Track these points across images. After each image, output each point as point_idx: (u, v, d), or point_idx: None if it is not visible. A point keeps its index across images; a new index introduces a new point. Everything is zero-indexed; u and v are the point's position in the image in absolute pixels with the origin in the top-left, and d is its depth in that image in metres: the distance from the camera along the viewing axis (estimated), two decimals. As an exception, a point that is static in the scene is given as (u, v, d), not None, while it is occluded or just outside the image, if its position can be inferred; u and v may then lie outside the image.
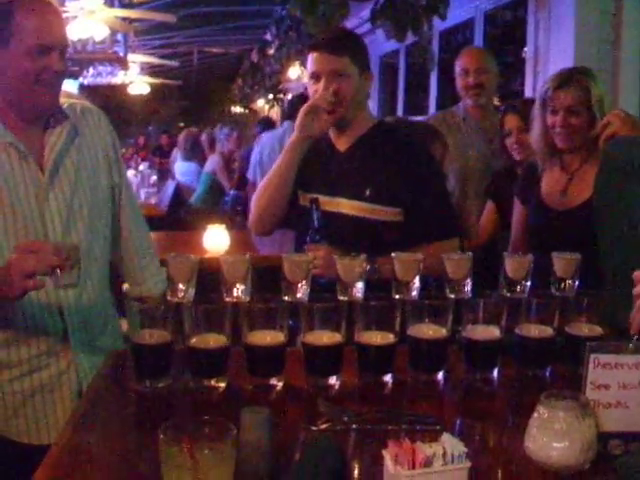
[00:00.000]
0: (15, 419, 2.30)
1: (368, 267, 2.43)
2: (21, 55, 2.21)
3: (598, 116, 2.95)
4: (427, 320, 2.06)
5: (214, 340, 1.98)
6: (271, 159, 6.86)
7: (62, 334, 2.32)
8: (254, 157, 7.13)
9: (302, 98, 7.69)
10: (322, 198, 2.83)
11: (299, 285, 2.19)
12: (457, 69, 4.50)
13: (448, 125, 4.44)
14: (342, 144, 2.97)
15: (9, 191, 2.25)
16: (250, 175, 7.29)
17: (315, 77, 2.87)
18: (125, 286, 2.60)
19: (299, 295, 2.18)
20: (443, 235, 2.85)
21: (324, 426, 1.73)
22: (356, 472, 1.55)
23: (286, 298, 2.18)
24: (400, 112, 9.43)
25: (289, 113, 7.14)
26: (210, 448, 1.26)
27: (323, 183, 2.91)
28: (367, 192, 2.82)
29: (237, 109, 21.89)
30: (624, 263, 2.26)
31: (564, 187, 3.11)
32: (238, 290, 2.16)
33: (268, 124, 9.07)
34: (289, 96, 15.45)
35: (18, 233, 2.25)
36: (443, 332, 2.04)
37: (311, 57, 2.88)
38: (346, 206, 2.86)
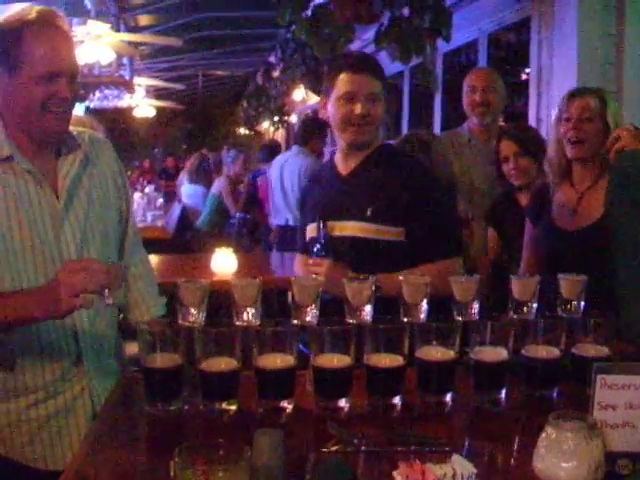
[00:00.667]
0: (31, 445, 2.31)
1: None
2: (30, 82, 2.22)
3: (612, 127, 2.97)
4: (435, 342, 2.07)
5: (225, 363, 2.00)
6: (282, 184, 6.93)
7: (76, 358, 2.34)
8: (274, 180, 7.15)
9: (315, 121, 7.74)
10: (337, 224, 2.90)
11: (308, 309, 2.21)
12: (465, 87, 4.52)
13: (453, 145, 4.47)
14: (346, 167, 3.01)
15: (27, 217, 2.27)
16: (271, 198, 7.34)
17: (349, 97, 2.85)
18: (120, 316, 2.60)
19: (308, 318, 2.20)
20: (444, 255, 2.85)
21: (334, 448, 1.75)
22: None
23: (295, 321, 2.20)
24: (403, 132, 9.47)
25: (302, 136, 7.15)
26: (224, 471, 1.28)
27: (326, 208, 2.95)
28: (368, 212, 2.85)
29: (242, 131, 21.94)
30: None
31: (575, 206, 3.11)
32: (249, 314, 2.18)
33: (273, 149, 9.10)
34: (293, 118, 15.53)
35: (36, 259, 2.27)
36: (451, 354, 2.06)
37: (345, 77, 2.86)
38: (348, 228, 2.89)
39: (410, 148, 4.14)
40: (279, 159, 7.35)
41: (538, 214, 3.28)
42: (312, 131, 7.16)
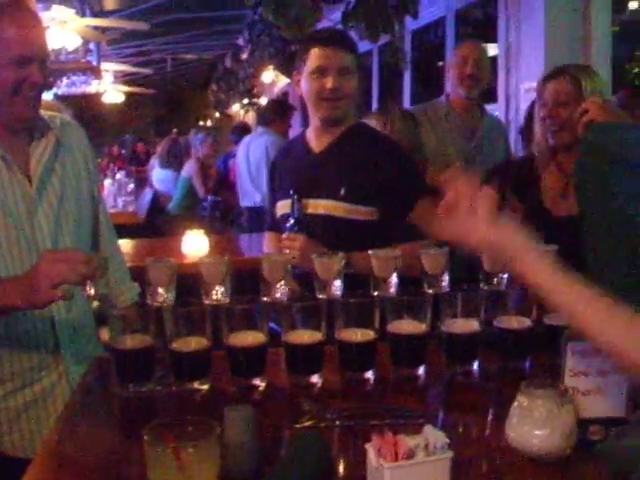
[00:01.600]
0: (10, 434, 2.29)
1: (343, 262, 2.42)
2: (1, 66, 2.19)
3: None
4: (406, 316, 2.07)
5: (196, 343, 1.99)
6: (247, 164, 6.91)
7: (53, 346, 2.32)
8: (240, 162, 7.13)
9: (278, 103, 7.69)
10: (310, 202, 2.88)
11: (277, 285, 2.20)
12: (455, 59, 4.46)
13: (429, 119, 4.44)
14: (319, 144, 2.98)
15: (0, 203, 2.24)
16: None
17: (321, 72, 2.83)
18: (95, 303, 2.58)
19: (278, 295, 2.19)
20: (417, 235, 2.70)
21: (308, 424, 1.74)
22: (341, 466, 1.56)
23: (265, 298, 2.19)
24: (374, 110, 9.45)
25: (265, 117, 7.14)
26: (194, 447, 1.27)
27: (299, 185, 2.92)
28: (342, 191, 2.83)
29: (214, 115, 21.86)
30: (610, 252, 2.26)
31: (563, 190, 3.01)
32: (217, 292, 2.16)
33: (243, 130, 9.07)
34: (263, 100, 15.49)
35: (10, 245, 2.24)
36: (422, 327, 2.06)
37: (315, 52, 2.84)
38: (321, 206, 2.87)
39: (391, 119, 4.11)
40: (245, 141, 7.33)
41: (525, 190, 3.09)
42: (275, 111, 7.15)
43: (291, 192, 2.87)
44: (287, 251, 2.73)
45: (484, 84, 4.55)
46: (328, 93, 2.84)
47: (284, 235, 2.82)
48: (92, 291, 2.04)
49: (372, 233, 2.81)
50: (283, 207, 2.99)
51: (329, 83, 2.82)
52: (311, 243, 2.73)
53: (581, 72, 2.97)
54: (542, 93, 3.01)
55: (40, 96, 2.32)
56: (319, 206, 2.88)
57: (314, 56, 2.85)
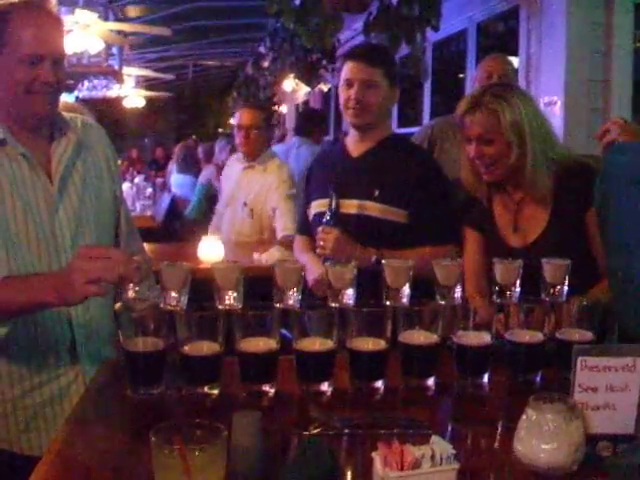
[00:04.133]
0: (26, 433, 2.30)
1: (374, 257, 2.90)
2: (13, 64, 2.21)
3: (514, 141, 2.68)
4: (418, 327, 2.07)
5: (207, 347, 1.99)
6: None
7: (70, 345, 2.33)
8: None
9: (314, 113, 7.67)
10: (346, 202, 3.12)
11: (290, 292, 2.20)
12: (480, 73, 4.47)
13: (453, 130, 4.43)
14: (356, 150, 3.27)
15: (22, 201, 2.25)
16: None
17: (348, 84, 3.13)
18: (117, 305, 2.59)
19: (290, 302, 2.20)
20: (441, 241, 3.04)
21: (316, 431, 1.74)
22: (347, 475, 1.56)
23: (278, 305, 2.19)
24: (394, 123, 9.46)
25: (303, 128, 7.08)
26: (201, 450, 1.27)
27: (336, 185, 3.13)
28: (376, 193, 3.09)
29: (231, 121, 21.89)
30: (628, 267, 2.26)
31: (514, 221, 2.85)
32: (230, 298, 2.16)
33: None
34: (284, 108, 15.51)
35: (30, 244, 2.25)
36: (434, 338, 2.06)
37: (347, 65, 3.14)
38: (356, 206, 3.12)
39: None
40: (279, 150, 7.30)
41: (481, 221, 2.94)
42: (313, 122, 7.14)
43: (330, 190, 3.08)
44: (321, 243, 2.98)
45: None
46: (352, 103, 3.12)
47: (319, 229, 3.03)
48: (130, 293, 2.01)
49: (402, 235, 3.07)
50: (318, 206, 3.24)
51: (352, 94, 3.10)
52: (345, 237, 2.97)
53: (498, 102, 2.70)
54: (462, 127, 2.81)
55: (56, 96, 2.33)
56: (354, 206, 3.13)
57: (345, 69, 3.16)
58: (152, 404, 1.97)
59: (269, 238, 4.88)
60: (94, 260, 1.92)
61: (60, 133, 2.41)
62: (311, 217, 3.29)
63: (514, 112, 2.70)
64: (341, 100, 3.19)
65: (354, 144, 3.28)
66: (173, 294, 2.13)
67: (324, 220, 3.05)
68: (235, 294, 2.17)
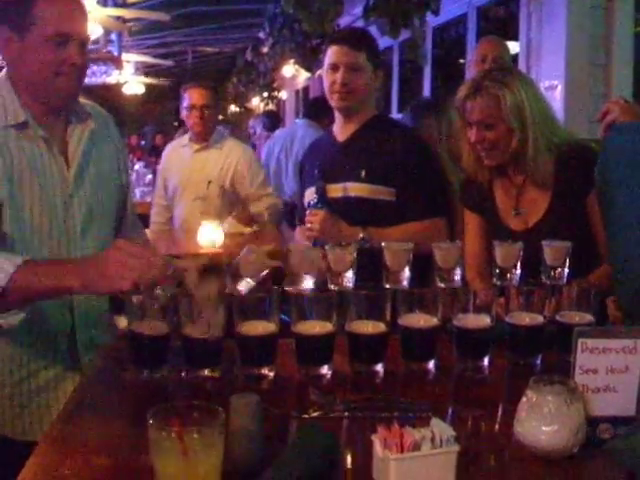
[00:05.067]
0: (20, 418, 2.30)
1: (361, 235, 2.95)
2: (40, 44, 2.21)
3: (515, 125, 2.67)
4: (418, 310, 2.07)
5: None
6: (286, 156, 6.81)
7: (70, 331, 2.33)
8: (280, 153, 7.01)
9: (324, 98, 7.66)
10: (334, 186, 3.16)
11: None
12: (475, 56, 4.47)
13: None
14: (342, 134, 3.29)
15: (38, 183, 2.25)
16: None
17: (333, 68, 3.14)
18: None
19: (303, 285, 2.21)
20: (430, 214, 3.09)
21: (316, 414, 1.74)
22: (347, 457, 1.55)
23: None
24: (394, 108, 9.44)
25: (314, 112, 7.01)
26: (199, 432, 1.26)
27: (324, 171, 3.18)
28: (362, 174, 3.12)
29: (232, 108, 21.87)
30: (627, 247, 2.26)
31: (515, 204, 2.84)
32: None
33: (276, 120, 9.18)
34: (283, 94, 15.49)
35: (43, 230, 2.25)
36: (434, 321, 2.05)
37: (331, 50, 3.16)
38: (344, 189, 3.16)
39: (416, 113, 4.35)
40: (283, 133, 7.25)
41: (482, 204, 2.94)
42: (325, 108, 7.11)
43: (316, 174, 3.15)
44: (309, 225, 3.02)
45: None
46: (338, 87, 3.14)
47: (307, 211, 3.07)
48: (158, 302, 1.98)
49: (390, 213, 3.10)
50: (310, 194, 3.22)
51: (338, 78, 3.12)
52: (331, 217, 3.01)
53: (499, 86, 2.68)
54: (463, 112, 2.79)
55: (81, 77, 2.33)
56: (340, 189, 3.16)
57: (330, 53, 3.17)
58: (151, 387, 1.97)
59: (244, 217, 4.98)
60: (133, 257, 1.84)
61: (77, 119, 2.40)
62: (305, 205, 3.29)
63: (515, 96, 2.67)
64: (326, 84, 3.20)
65: (339, 129, 3.31)
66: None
67: (311, 204, 3.10)
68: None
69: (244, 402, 1.47)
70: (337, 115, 3.30)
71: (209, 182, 4.98)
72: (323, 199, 3.07)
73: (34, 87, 2.29)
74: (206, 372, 2.00)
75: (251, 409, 1.47)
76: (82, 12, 2.31)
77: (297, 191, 3.69)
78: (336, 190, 3.15)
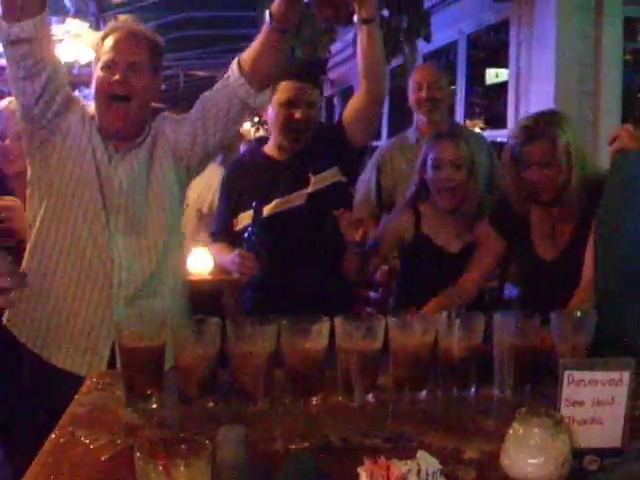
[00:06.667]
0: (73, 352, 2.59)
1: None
2: (97, 72, 2.62)
3: (565, 163, 2.88)
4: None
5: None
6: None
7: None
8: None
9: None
10: (274, 203, 3.28)
11: None
12: (410, 84, 4.52)
13: (403, 151, 4.51)
14: (282, 155, 3.44)
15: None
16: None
17: (290, 104, 3.29)
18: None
19: None
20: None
21: (302, 445, 1.74)
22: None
23: None
24: (385, 134, 9.47)
25: None
26: (186, 465, 1.26)
27: (268, 192, 3.31)
28: (311, 175, 3.31)
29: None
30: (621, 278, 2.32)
31: (551, 233, 3.05)
32: None
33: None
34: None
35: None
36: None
37: (287, 85, 3.28)
38: (295, 198, 3.30)
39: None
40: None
41: (512, 232, 3.14)
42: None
43: (251, 203, 3.17)
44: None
45: (445, 105, 4.60)
46: (295, 124, 3.32)
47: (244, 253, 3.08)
48: None
49: (342, 197, 3.39)
50: (246, 217, 3.27)
51: (298, 114, 3.30)
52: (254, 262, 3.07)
53: (552, 128, 2.91)
54: (520, 155, 2.96)
55: (130, 108, 2.63)
56: (302, 195, 3.31)
57: (286, 88, 3.30)
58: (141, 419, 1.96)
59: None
60: None
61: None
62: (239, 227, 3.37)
63: (565, 137, 2.91)
64: (279, 119, 3.32)
65: (277, 150, 3.46)
66: None
67: (246, 234, 3.12)
68: None
69: (231, 434, 1.47)
70: (280, 139, 3.40)
71: (186, 205, 4.98)
72: (261, 229, 3.08)
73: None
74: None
75: (238, 441, 1.47)
76: (133, 44, 2.65)
77: (221, 209, 3.66)
78: (286, 202, 3.28)
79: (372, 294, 4.55)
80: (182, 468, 1.26)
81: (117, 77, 2.56)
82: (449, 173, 3.33)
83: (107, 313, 2.57)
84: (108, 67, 2.59)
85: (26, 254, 2.64)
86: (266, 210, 3.22)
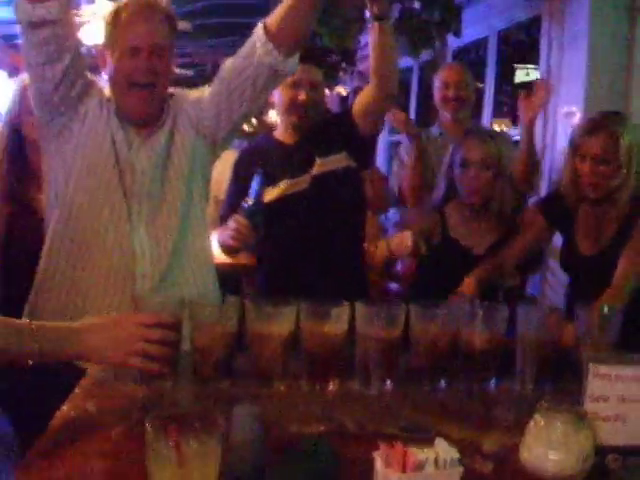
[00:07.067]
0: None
1: None
2: (118, 58, 2.46)
3: (624, 166, 2.89)
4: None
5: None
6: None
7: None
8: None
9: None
10: (280, 185, 3.27)
11: None
12: (436, 82, 4.62)
13: (430, 142, 4.52)
14: (290, 138, 3.44)
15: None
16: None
17: (294, 86, 3.27)
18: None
19: None
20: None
21: (318, 429, 1.70)
22: (348, 473, 1.51)
23: None
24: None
25: None
26: (196, 441, 1.23)
27: (276, 175, 3.27)
28: (317, 158, 3.29)
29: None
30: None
31: (595, 228, 3.05)
32: None
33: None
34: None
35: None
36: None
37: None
38: (303, 181, 3.28)
39: None
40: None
41: (559, 221, 3.18)
42: None
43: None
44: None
45: (470, 105, 4.69)
46: (300, 107, 3.32)
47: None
48: None
49: (351, 182, 3.37)
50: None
51: (303, 96, 3.29)
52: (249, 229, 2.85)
53: (618, 126, 2.93)
54: (580, 146, 2.97)
55: (153, 92, 2.50)
56: (302, 181, 3.28)
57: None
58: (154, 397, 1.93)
59: None
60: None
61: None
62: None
63: (629, 139, 2.90)
64: (284, 101, 3.34)
65: (286, 134, 3.45)
66: None
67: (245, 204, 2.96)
68: None
69: (245, 413, 1.44)
70: (285, 121, 3.42)
71: None
72: (259, 198, 2.93)
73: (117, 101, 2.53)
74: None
75: (251, 421, 1.44)
76: (153, 22, 2.49)
77: (233, 191, 3.54)
78: (296, 184, 3.27)
79: (392, 285, 4.51)
80: (193, 444, 1.23)
81: (143, 66, 2.44)
82: (477, 172, 3.33)
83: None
84: (131, 54, 2.44)
85: (44, 249, 2.55)
86: (271, 193, 3.21)
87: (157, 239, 2.51)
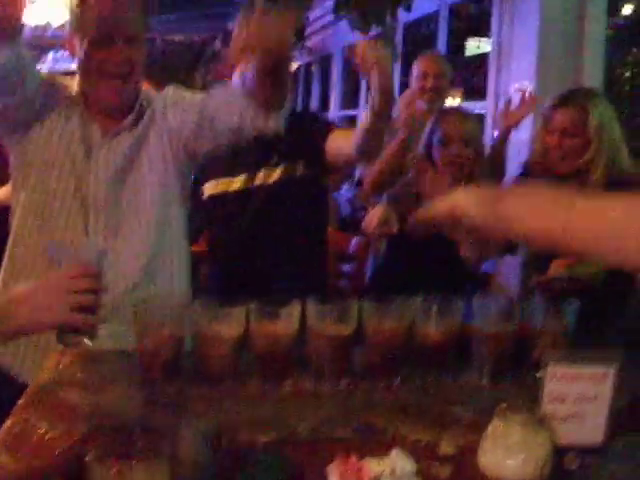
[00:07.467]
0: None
1: None
2: (87, 46, 2.30)
3: (595, 141, 2.89)
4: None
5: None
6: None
7: None
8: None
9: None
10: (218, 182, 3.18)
11: None
12: (415, 72, 4.55)
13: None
14: None
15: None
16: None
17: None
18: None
19: None
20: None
21: (272, 435, 1.66)
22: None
23: None
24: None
25: None
26: (143, 465, 1.17)
27: (231, 166, 3.17)
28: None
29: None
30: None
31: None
32: None
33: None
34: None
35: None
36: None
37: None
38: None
39: None
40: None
41: None
42: None
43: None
44: None
45: (445, 95, 4.79)
46: None
47: None
48: None
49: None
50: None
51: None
52: None
53: (589, 101, 2.95)
54: (549, 119, 2.98)
55: (126, 82, 2.37)
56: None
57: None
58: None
59: None
60: None
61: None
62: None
63: (601, 114, 2.92)
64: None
65: None
66: None
67: None
68: None
69: (193, 430, 1.39)
70: None
71: None
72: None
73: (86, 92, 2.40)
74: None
75: (201, 435, 1.39)
76: (124, 8, 2.33)
77: None
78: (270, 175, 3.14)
79: (346, 267, 4.48)
80: (138, 470, 1.17)
81: (116, 56, 2.30)
82: (459, 148, 3.31)
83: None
84: (103, 43, 2.28)
85: (5, 256, 2.41)
86: (210, 189, 3.19)
87: (120, 255, 2.34)
